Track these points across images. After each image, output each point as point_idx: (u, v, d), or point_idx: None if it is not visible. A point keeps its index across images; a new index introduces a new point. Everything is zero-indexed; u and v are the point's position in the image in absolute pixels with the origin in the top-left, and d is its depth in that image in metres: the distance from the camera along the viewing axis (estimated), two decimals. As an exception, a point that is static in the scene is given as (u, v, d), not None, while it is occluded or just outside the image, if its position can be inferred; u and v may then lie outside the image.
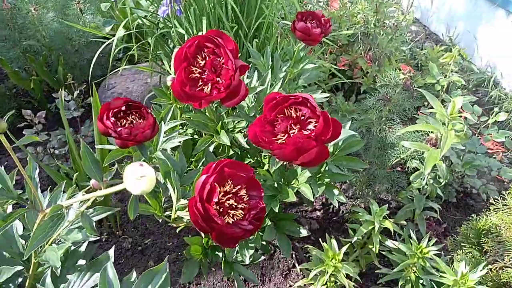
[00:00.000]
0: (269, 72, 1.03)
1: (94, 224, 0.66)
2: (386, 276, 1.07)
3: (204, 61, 0.77)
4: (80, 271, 0.74)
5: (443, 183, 1.15)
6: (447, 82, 1.62)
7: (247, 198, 0.63)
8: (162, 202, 0.84)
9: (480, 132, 1.70)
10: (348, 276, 1.01)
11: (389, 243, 1.07)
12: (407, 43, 2.04)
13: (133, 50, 1.52)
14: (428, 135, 1.13)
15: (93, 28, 1.72)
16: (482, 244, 1.02)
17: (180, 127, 1.12)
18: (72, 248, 0.79)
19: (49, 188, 0.81)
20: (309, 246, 1.10)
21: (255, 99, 1.02)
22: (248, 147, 0.99)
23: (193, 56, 0.77)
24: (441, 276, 0.94)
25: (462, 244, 1.08)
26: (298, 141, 0.68)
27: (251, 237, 0.94)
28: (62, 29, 1.70)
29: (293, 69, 1.12)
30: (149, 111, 0.76)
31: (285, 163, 0.95)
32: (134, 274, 0.68)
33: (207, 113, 0.99)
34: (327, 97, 1.14)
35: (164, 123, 0.90)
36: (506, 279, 0.91)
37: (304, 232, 1.01)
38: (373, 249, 1.06)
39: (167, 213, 0.83)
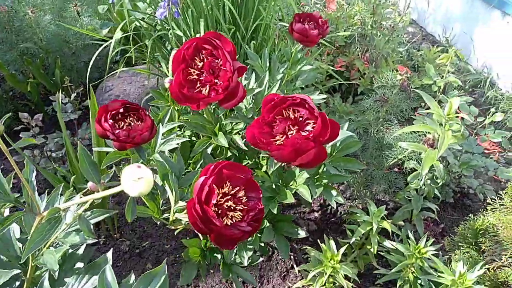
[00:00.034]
0: (266, 73, 1.03)
1: (91, 226, 0.66)
2: (385, 277, 1.07)
3: (202, 63, 0.77)
4: (78, 274, 0.73)
5: (440, 184, 1.15)
6: (444, 83, 1.62)
7: (246, 200, 0.63)
8: (160, 205, 0.84)
9: (477, 132, 1.71)
10: (346, 277, 1.01)
11: (387, 243, 1.07)
12: (404, 44, 2.05)
13: (131, 53, 1.52)
14: (425, 135, 1.13)
15: (90, 30, 1.71)
16: (480, 244, 1.02)
17: (178, 129, 1.12)
18: (70, 251, 0.79)
19: (46, 191, 0.81)
20: (308, 247, 1.10)
21: (253, 101, 1.03)
22: (246, 149, 0.99)
23: (191, 58, 0.77)
24: (439, 276, 0.94)
25: (459, 244, 1.09)
26: (296, 142, 0.68)
27: (249, 239, 0.94)
28: (59, 32, 1.70)
29: (291, 70, 1.12)
30: (147, 113, 0.76)
31: (283, 164, 0.95)
32: (133, 277, 0.68)
33: (205, 115, 0.99)
34: (324, 99, 1.14)
35: (162, 125, 0.90)
36: (504, 279, 0.92)
37: (302, 233, 1.01)
38: (371, 249, 1.06)
39: (165, 215, 0.83)
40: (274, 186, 0.97)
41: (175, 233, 1.27)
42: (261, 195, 0.64)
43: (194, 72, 0.78)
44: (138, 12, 1.59)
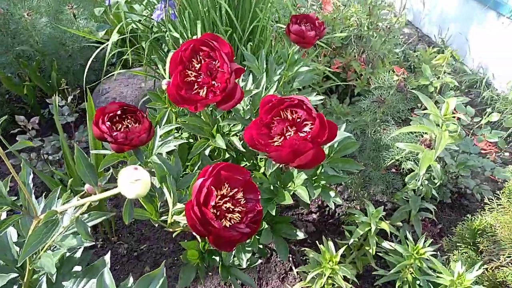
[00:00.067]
0: (264, 75, 1.03)
1: (89, 229, 0.66)
2: (383, 278, 1.07)
3: (199, 65, 0.77)
4: (76, 277, 0.73)
5: (438, 184, 1.15)
6: (440, 84, 1.63)
7: (244, 201, 0.62)
8: (158, 207, 0.83)
9: (473, 132, 1.72)
10: (345, 278, 1.01)
11: (386, 244, 1.07)
12: (400, 45, 2.06)
13: (127, 55, 1.52)
14: (422, 136, 1.14)
15: (86, 33, 1.71)
16: (478, 244, 1.03)
17: (176, 131, 1.12)
18: (68, 254, 0.79)
19: (43, 195, 0.80)
20: (306, 248, 1.10)
21: (250, 102, 1.03)
22: (244, 150, 0.99)
23: (188, 60, 0.77)
24: (437, 277, 0.94)
25: (457, 244, 1.09)
26: (294, 143, 0.68)
27: (248, 241, 0.94)
28: (55, 34, 1.70)
29: (288, 72, 1.12)
30: (145, 115, 0.75)
31: (281, 165, 0.95)
32: (131, 280, 0.68)
33: (202, 117, 0.99)
34: (321, 100, 1.14)
35: (160, 127, 0.89)
36: (502, 278, 0.92)
37: (301, 235, 1.01)
38: (370, 250, 1.06)
39: (163, 217, 0.83)
40: (272, 188, 0.97)
41: (173, 236, 1.27)
42: (260, 197, 0.64)
43: (191, 74, 0.77)
44: (135, 14, 1.59)
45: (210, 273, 1.23)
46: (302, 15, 1.04)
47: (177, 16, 1.30)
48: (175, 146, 0.87)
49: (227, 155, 1.07)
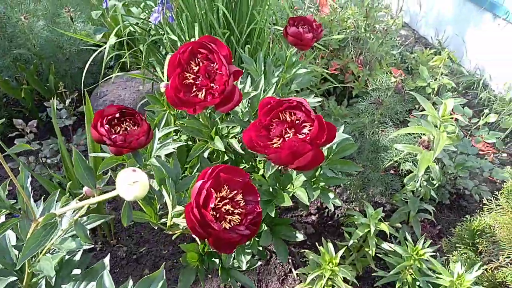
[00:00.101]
0: (262, 77, 1.04)
1: (88, 232, 0.66)
2: (383, 279, 1.07)
3: (198, 67, 0.77)
4: (75, 280, 0.73)
5: (436, 185, 1.16)
6: (438, 85, 1.64)
7: (244, 203, 0.62)
8: (157, 210, 0.83)
9: (471, 133, 1.72)
10: (345, 280, 1.01)
11: (385, 245, 1.07)
12: (397, 47, 2.07)
13: (125, 58, 1.52)
14: (420, 137, 1.14)
15: (84, 36, 1.71)
16: (477, 245, 1.03)
17: (174, 133, 1.12)
18: (67, 257, 0.78)
19: (42, 198, 0.80)
20: (306, 250, 1.10)
21: (249, 105, 1.03)
22: (243, 152, 0.99)
23: (186, 62, 0.77)
24: (437, 277, 0.94)
25: (457, 245, 1.09)
26: (293, 145, 0.68)
27: (247, 243, 0.94)
28: (52, 38, 1.69)
29: (286, 74, 1.13)
30: (143, 117, 0.75)
31: (280, 167, 0.95)
32: (131, 282, 0.68)
33: (201, 119, 0.99)
34: (319, 102, 1.14)
35: (158, 130, 0.89)
36: (502, 279, 0.92)
37: (300, 237, 1.01)
38: (369, 252, 1.06)
39: (163, 220, 0.82)
40: (271, 190, 0.97)
41: (173, 238, 1.26)
42: (259, 199, 0.64)
43: (190, 76, 0.78)
44: (132, 17, 1.59)
45: (209, 276, 1.23)
46: (300, 18, 1.04)
47: (175, 19, 1.30)
48: (173, 148, 0.87)
49: (226, 158, 1.07)
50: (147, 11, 1.51)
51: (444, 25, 2.43)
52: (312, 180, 0.98)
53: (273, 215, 0.92)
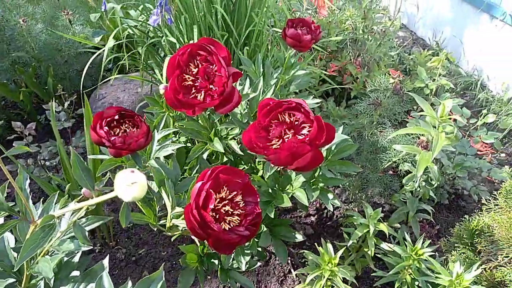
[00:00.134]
0: (261, 79, 1.04)
1: (86, 233, 0.66)
2: (382, 279, 1.07)
3: (197, 69, 0.78)
4: (74, 282, 0.73)
5: (435, 185, 1.16)
6: (436, 86, 1.64)
7: (243, 204, 0.63)
8: (157, 211, 0.83)
9: (470, 134, 1.73)
10: (344, 280, 1.01)
11: (384, 245, 1.07)
12: (395, 49, 2.07)
13: (124, 60, 1.52)
14: (419, 138, 1.14)
15: (82, 38, 1.71)
16: (476, 244, 1.03)
17: (173, 135, 1.12)
18: (66, 259, 0.78)
19: (41, 200, 0.80)
20: (305, 251, 1.10)
21: (248, 106, 1.03)
22: (242, 154, 0.99)
23: (186, 64, 0.78)
24: (436, 277, 0.94)
25: (456, 245, 1.09)
26: (292, 146, 0.68)
27: (247, 244, 0.94)
28: (51, 40, 1.70)
29: (285, 75, 1.13)
30: (142, 119, 0.75)
31: (279, 168, 0.95)
32: (130, 283, 0.68)
33: (200, 121, 0.99)
34: (318, 103, 1.15)
35: (157, 132, 0.89)
36: (500, 278, 0.92)
37: (299, 237, 1.01)
38: (369, 252, 1.06)
39: (162, 222, 0.82)
40: (270, 191, 0.97)
41: (172, 240, 1.27)
42: (259, 199, 0.64)
43: (189, 78, 0.78)
44: (131, 19, 1.59)
45: (209, 277, 1.23)
46: (298, 19, 1.05)
47: (173, 21, 1.30)
48: (173, 150, 0.87)
49: (225, 159, 1.07)
50: (145, 14, 1.51)
51: (442, 26, 2.44)
52: (311, 181, 0.98)
53: (272, 216, 0.92)
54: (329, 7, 1.90)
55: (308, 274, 1.02)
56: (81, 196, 0.67)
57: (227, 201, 0.61)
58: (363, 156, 1.28)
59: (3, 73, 1.68)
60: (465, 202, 1.52)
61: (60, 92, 1.56)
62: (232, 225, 0.60)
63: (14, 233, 0.78)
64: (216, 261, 0.94)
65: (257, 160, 1.06)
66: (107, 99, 1.77)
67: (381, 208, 1.07)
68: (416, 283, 1.00)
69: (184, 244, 1.12)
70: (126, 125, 0.75)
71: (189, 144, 1.14)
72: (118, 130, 0.74)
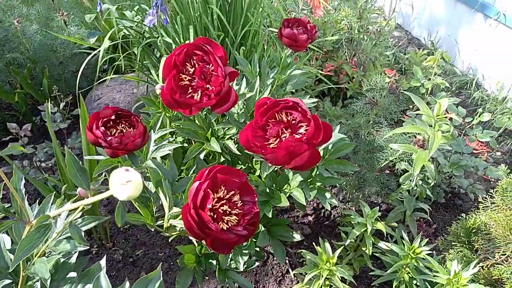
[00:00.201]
0: (257, 78, 1.04)
1: (82, 233, 0.65)
2: (380, 278, 1.07)
3: (193, 69, 0.77)
4: (71, 283, 0.72)
5: (432, 184, 1.16)
6: (431, 85, 1.65)
7: (241, 204, 0.62)
8: (154, 212, 0.83)
9: (465, 133, 1.73)
10: (342, 279, 1.01)
11: (382, 244, 1.07)
12: (390, 48, 2.08)
13: (119, 61, 1.51)
14: (415, 137, 1.15)
15: (77, 39, 1.70)
16: (473, 243, 1.03)
17: (170, 135, 1.11)
18: (62, 260, 0.78)
19: (37, 201, 0.79)
20: (303, 250, 1.10)
21: (244, 106, 1.03)
22: (239, 154, 0.99)
23: (182, 64, 0.77)
24: (434, 276, 0.94)
25: (453, 243, 1.09)
26: (290, 145, 0.68)
27: (245, 244, 0.94)
28: (46, 42, 1.69)
29: (281, 75, 1.13)
30: (139, 119, 0.75)
31: (276, 168, 0.95)
32: (127, 284, 0.67)
33: (196, 121, 0.99)
34: (314, 103, 1.15)
35: (154, 132, 0.89)
36: (498, 276, 0.93)
37: (297, 237, 1.01)
38: (366, 251, 1.06)
39: (159, 222, 0.82)
40: (268, 190, 0.97)
41: (169, 241, 1.26)
42: (256, 199, 0.64)
43: (185, 77, 0.78)
44: (126, 20, 1.59)
45: (207, 277, 1.22)
46: (294, 19, 1.05)
47: (169, 22, 1.30)
48: (169, 150, 0.86)
49: (222, 159, 1.07)
50: (141, 14, 1.51)
51: (437, 26, 2.45)
52: (309, 180, 0.98)
53: (270, 216, 0.92)
54: (324, 7, 1.90)
55: (306, 273, 1.02)
56: (76, 196, 0.66)
57: (225, 200, 0.61)
58: (359, 156, 1.28)
59: (-2, 74, 1.67)
60: (462, 200, 1.53)
61: (55, 93, 1.55)
62: (230, 225, 0.60)
63: (10, 234, 0.77)
64: (214, 262, 0.94)
65: (254, 159, 1.06)
66: (102, 100, 1.76)
67: (378, 207, 1.07)
68: (414, 281, 1.01)
69: (181, 245, 1.12)
70: (123, 125, 0.74)
71: (186, 144, 1.14)
72: (114, 130, 0.74)
